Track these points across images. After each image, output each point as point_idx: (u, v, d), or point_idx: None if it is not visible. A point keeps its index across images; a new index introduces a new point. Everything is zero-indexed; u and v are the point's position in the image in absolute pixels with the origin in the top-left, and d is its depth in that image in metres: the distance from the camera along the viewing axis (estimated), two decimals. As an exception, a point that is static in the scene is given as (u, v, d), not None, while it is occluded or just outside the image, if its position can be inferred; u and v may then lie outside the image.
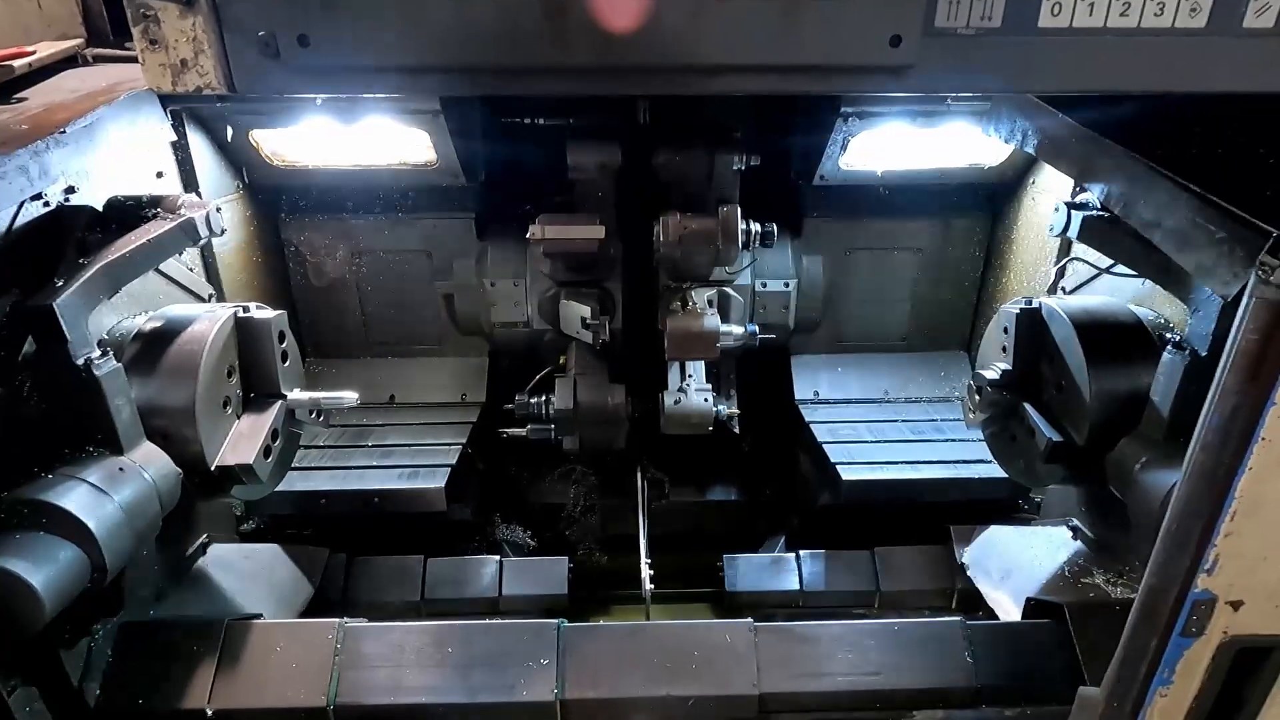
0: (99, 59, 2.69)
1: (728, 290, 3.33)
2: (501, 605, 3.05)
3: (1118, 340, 2.35)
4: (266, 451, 2.37)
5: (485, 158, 3.28)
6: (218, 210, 2.37)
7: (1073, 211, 2.40)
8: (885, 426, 3.55)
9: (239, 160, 3.18)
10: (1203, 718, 1.74)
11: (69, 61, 2.62)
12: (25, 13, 2.63)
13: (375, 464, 3.29)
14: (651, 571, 3.09)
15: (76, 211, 2.11)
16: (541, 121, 3.08)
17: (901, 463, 3.29)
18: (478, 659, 2.28)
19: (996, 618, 2.64)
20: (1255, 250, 1.38)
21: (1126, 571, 2.48)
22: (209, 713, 2.15)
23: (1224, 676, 1.69)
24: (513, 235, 3.37)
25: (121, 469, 1.99)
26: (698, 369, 3.23)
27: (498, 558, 3.17)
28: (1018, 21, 1.26)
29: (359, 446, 3.42)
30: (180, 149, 2.79)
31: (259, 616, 2.44)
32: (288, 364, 2.53)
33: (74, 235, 2.06)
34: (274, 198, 3.44)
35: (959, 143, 3.23)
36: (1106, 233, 2.32)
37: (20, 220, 1.93)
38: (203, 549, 2.66)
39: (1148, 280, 2.36)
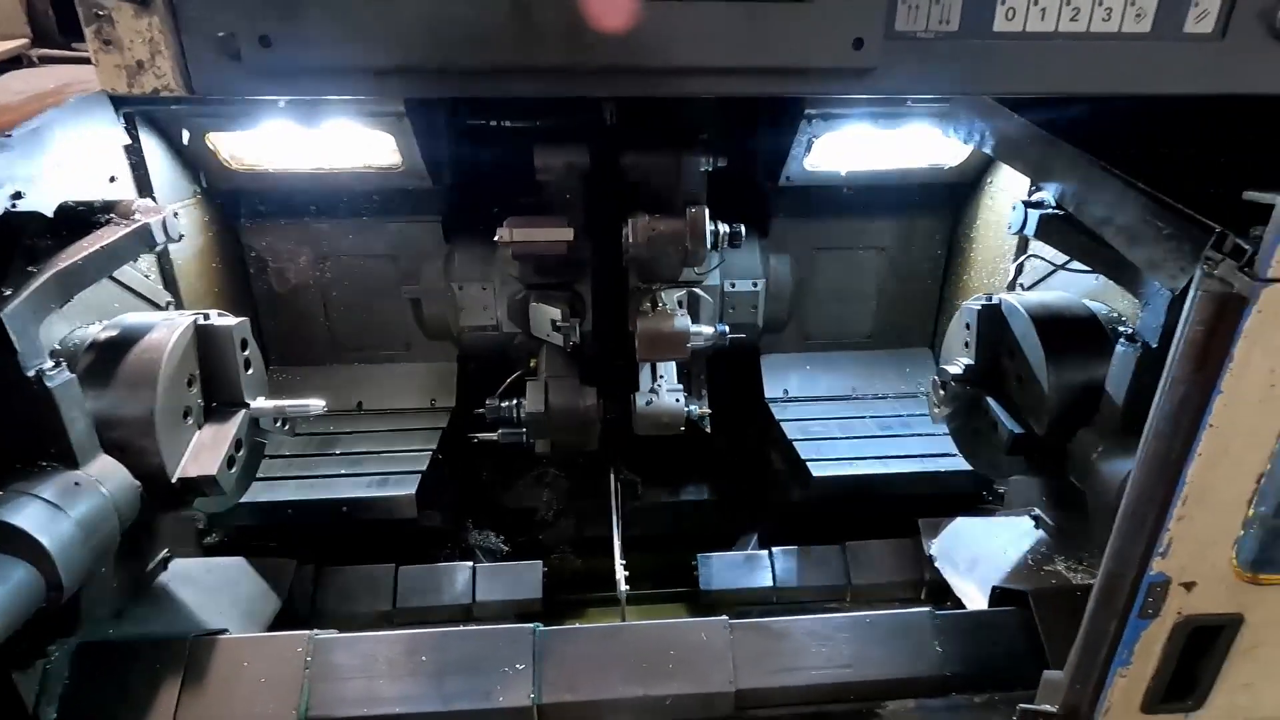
0: (45, 60, 2.59)
1: (697, 291, 3.35)
2: (475, 612, 3.03)
3: (1074, 334, 2.43)
4: (230, 462, 2.31)
5: (451, 160, 3.25)
6: (175, 215, 2.30)
7: (1029, 210, 2.47)
8: (853, 423, 3.61)
9: (196, 164, 3.10)
10: (1160, 696, 1.81)
11: (13, 62, 2.52)
12: (-35, 12, 2.53)
13: (343, 472, 3.24)
14: (626, 573, 3.09)
15: (25, 218, 2.03)
16: (508, 123, 3.07)
17: (870, 458, 3.35)
18: (452, 666, 2.26)
19: (964, 607, 2.70)
20: (1200, 246, 1.44)
21: (1086, 558, 2.56)
22: (174, 732, 2.09)
23: (1179, 655, 1.76)
24: (480, 238, 3.34)
25: (77, 484, 1.92)
26: (669, 370, 3.25)
27: (470, 564, 3.14)
28: (974, 25, 1.30)
29: (326, 455, 3.36)
30: (134, 152, 2.71)
31: (224, 632, 2.37)
32: (250, 372, 2.47)
33: (22, 242, 1.99)
34: (233, 202, 3.36)
35: (920, 144, 3.30)
36: (1061, 230, 2.40)
37: (-36, 227, 1.86)
38: (164, 564, 2.58)
39: (1101, 276, 2.45)
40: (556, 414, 3.22)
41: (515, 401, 3.26)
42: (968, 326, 2.71)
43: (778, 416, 3.64)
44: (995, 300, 2.63)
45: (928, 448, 3.39)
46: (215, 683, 2.17)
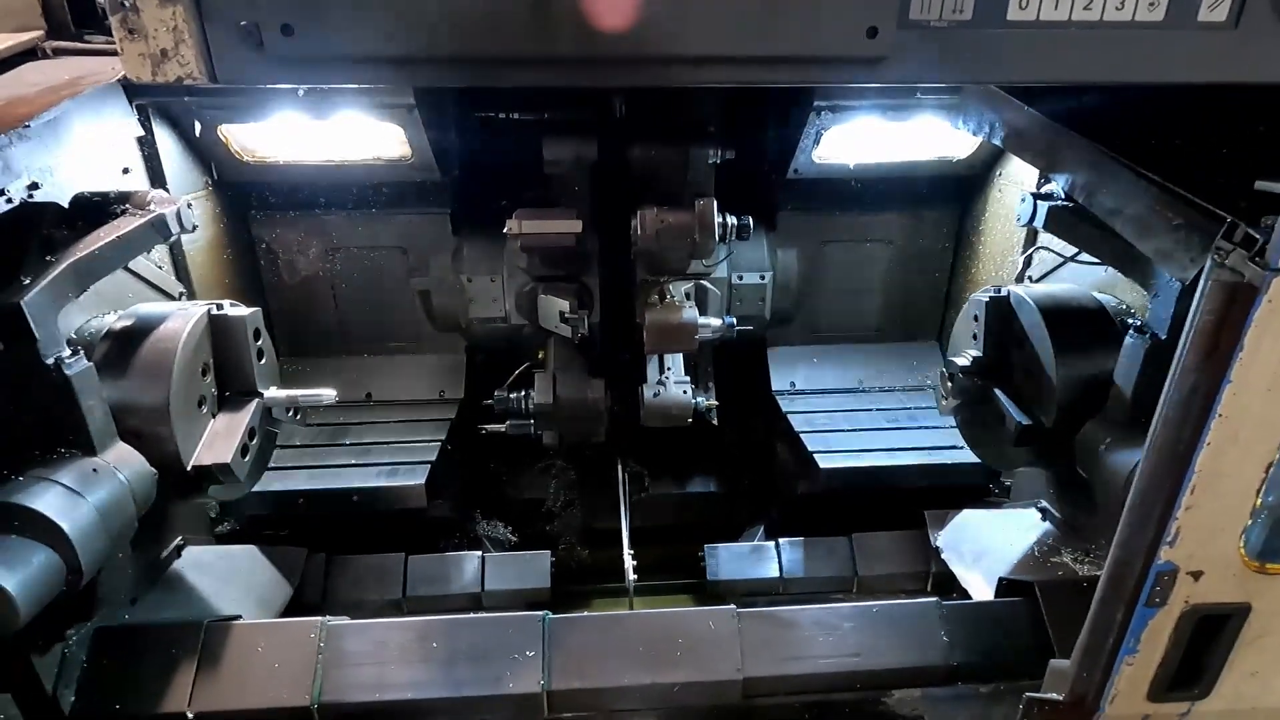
0: (59, 52, 2.62)
1: (705, 283, 3.36)
2: (484, 600, 3.06)
3: (1083, 326, 2.43)
4: (244, 450, 2.34)
5: (460, 153, 3.26)
6: (188, 206, 2.32)
7: (1038, 202, 2.47)
8: (861, 415, 3.62)
9: (208, 156, 3.12)
10: (1167, 684, 1.82)
11: (28, 54, 2.54)
12: (-19, 4, 2.55)
13: (354, 462, 3.26)
14: (634, 563, 3.11)
15: (42, 208, 2.06)
16: (517, 116, 3.07)
17: (877, 450, 3.36)
18: (463, 653, 2.28)
19: (971, 598, 2.71)
20: (1211, 236, 1.45)
21: (1093, 550, 2.57)
22: (190, 715, 2.12)
23: (1186, 644, 1.77)
24: (489, 230, 3.35)
25: (95, 470, 1.95)
26: (676, 362, 3.26)
27: (479, 553, 3.16)
28: (987, 14, 1.31)
29: (337, 445, 3.39)
30: (147, 144, 2.73)
31: (238, 618, 2.40)
32: (263, 362, 2.50)
33: (40, 232, 2.01)
34: (244, 194, 3.38)
35: (928, 136, 3.30)
36: (1071, 222, 2.40)
37: (-18, 217, 1.88)
38: (178, 551, 2.62)
39: (1110, 268, 2.45)
40: (564, 405, 3.24)
41: (523, 393, 3.27)
42: (976, 318, 2.71)
43: (785, 409, 3.65)
44: (1003, 292, 2.63)
45: (935, 440, 3.40)
46: (230, 667, 2.21)
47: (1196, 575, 1.69)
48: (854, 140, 3.27)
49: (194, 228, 2.36)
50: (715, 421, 3.32)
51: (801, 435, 3.44)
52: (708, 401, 3.27)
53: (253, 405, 2.43)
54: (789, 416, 3.58)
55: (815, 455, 3.29)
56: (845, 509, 3.31)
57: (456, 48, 1.19)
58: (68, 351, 1.93)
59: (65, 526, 1.78)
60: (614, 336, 3.36)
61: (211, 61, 1.13)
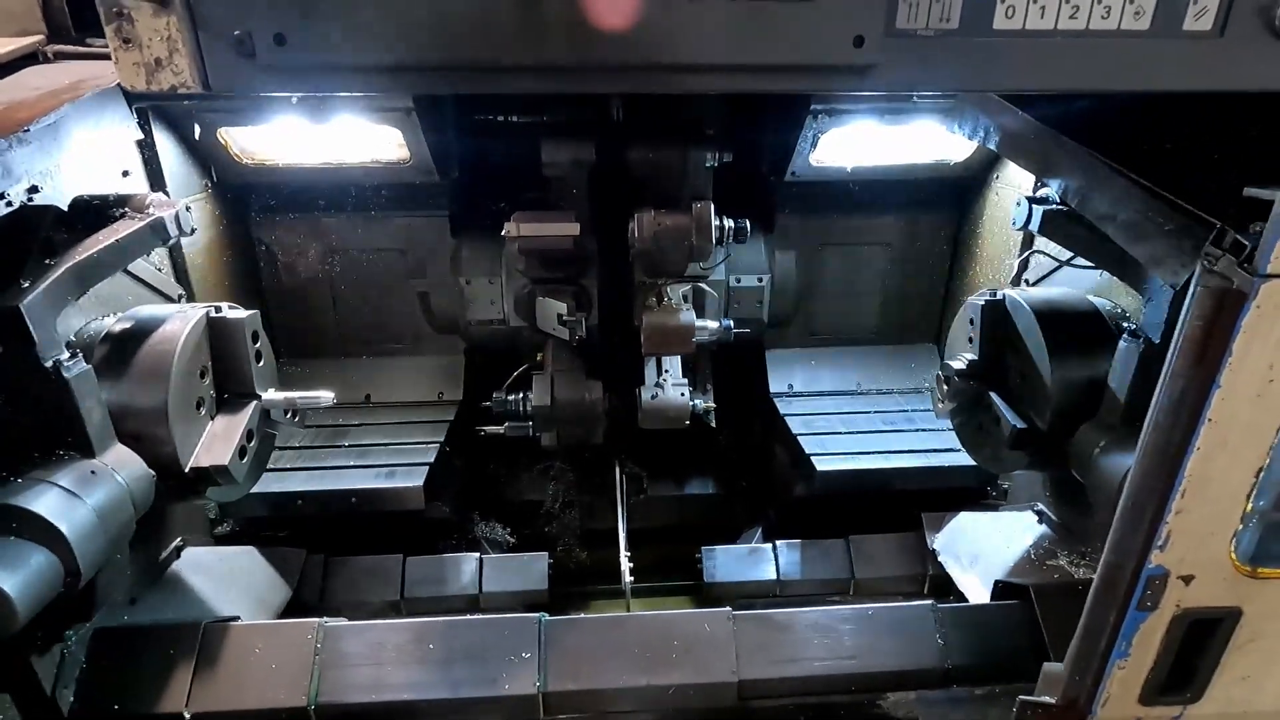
0: (60, 56, 2.63)
1: (702, 286, 3.37)
2: (482, 602, 3.07)
3: (1077, 330, 2.44)
4: (242, 452, 2.35)
5: (459, 155, 3.27)
6: (187, 209, 2.34)
7: (1034, 206, 2.48)
8: (858, 418, 3.63)
9: (207, 159, 3.14)
10: (1159, 687, 1.83)
11: (29, 58, 2.56)
12: (-18, 8, 2.56)
13: (352, 464, 3.28)
14: (631, 565, 3.12)
15: (41, 211, 2.07)
16: (515, 119, 3.09)
17: (874, 453, 3.36)
18: (459, 654, 2.30)
19: (967, 601, 2.72)
20: (1201, 242, 1.46)
21: (1088, 553, 2.57)
22: (187, 716, 2.14)
23: (1177, 648, 1.78)
24: (487, 233, 3.37)
25: (93, 472, 1.96)
26: (674, 364, 3.27)
27: (477, 555, 3.17)
28: (974, 23, 1.32)
29: (335, 447, 3.40)
30: (146, 147, 2.75)
31: (236, 619, 2.42)
32: (261, 364, 2.51)
33: (39, 235, 2.02)
34: (244, 196, 3.40)
35: (925, 140, 3.31)
36: (1065, 226, 2.41)
37: (-18, 221, 1.89)
38: (176, 552, 2.63)
39: (1105, 272, 2.45)
40: (562, 407, 3.25)
41: (522, 395, 3.29)
42: (972, 322, 2.72)
43: (782, 411, 3.65)
44: (999, 295, 2.64)
45: (931, 443, 3.40)
46: (227, 668, 2.22)
47: (1187, 579, 1.70)
48: (851, 143, 3.28)
49: (193, 231, 2.38)
50: (713, 423, 3.33)
51: (799, 437, 3.45)
52: (705, 404, 3.28)
53: (251, 407, 2.44)
54: (786, 419, 3.59)
55: (812, 457, 3.30)
56: (842, 511, 3.32)
57: (449, 55, 1.20)
58: (66, 354, 1.94)
59: (63, 528, 1.80)
60: (612, 339, 3.37)
61: (205, 70, 1.15)
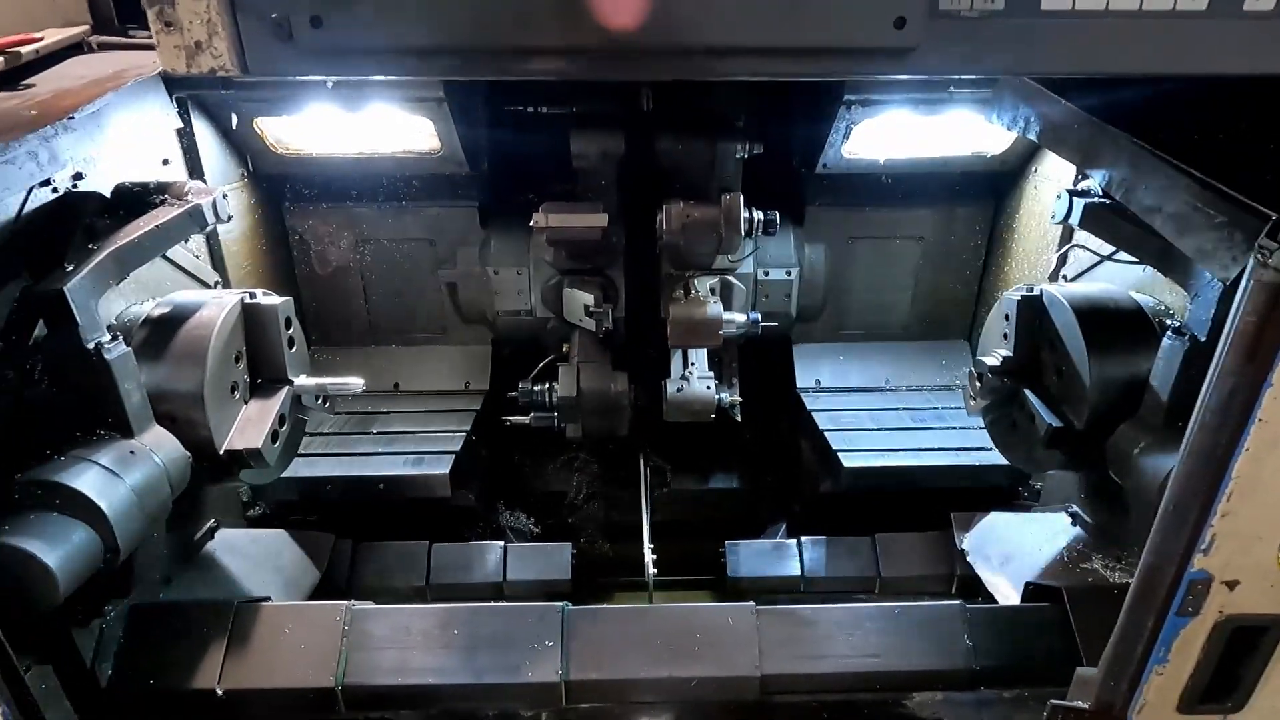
0: (103, 46, 2.70)
1: (730, 278, 3.34)
2: (505, 590, 3.09)
3: (1118, 327, 2.37)
4: (274, 436, 2.39)
5: (489, 146, 3.29)
6: (224, 197, 2.38)
7: (1075, 198, 2.41)
8: (886, 414, 3.57)
9: (243, 148, 3.19)
10: (1198, 695, 1.77)
11: (74, 48, 2.63)
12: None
13: (380, 451, 3.32)
14: (654, 557, 3.12)
15: (85, 197, 2.13)
16: (545, 110, 3.09)
17: (902, 450, 3.31)
18: (483, 641, 2.31)
19: (996, 603, 2.67)
20: (1254, 234, 1.40)
21: (1125, 556, 2.51)
22: (219, 693, 2.19)
23: (1219, 655, 1.72)
24: (516, 223, 3.38)
25: (132, 452, 2.01)
26: (700, 357, 3.25)
27: (501, 543, 3.20)
28: (1021, 3, 1.27)
29: (364, 433, 3.45)
30: (185, 136, 2.81)
31: (267, 599, 2.47)
32: (294, 350, 2.55)
33: (82, 221, 2.08)
34: (278, 185, 3.45)
35: (962, 130, 3.23)
36: (1108, 219, 2.34)
37: (29, 206, 1.95)
38: (210, 533, 2.69)
39: (1149, 267, 2.38)
40: (588, 399, 3.25)
41: (547, 386, 3.29)
42: (1007, 317, 2.66)
43: (809, 406, 3.61)
44: (1036, 291, 2.58)
45: (962, 441, 3.34)
46: (258, 647, 2.27)
47: (1232, 585, 1.64)
48: (885, 135, 3.22)
49: (229, 218, 2.42)
50: (738, 418, 3.31)
51: (826, 433, 3.40)
52: (731, 397, 3.26)
53: (283, 392, 2.48)
54: (813, 414, 3.55)
55: (839, 454, 3.26)
56: (869, 509, 3.27)
57: (483, 39, 1.20)
58: (108, 337, 1.99)
59: (104, 506, 1.85)
60: (638, 331, 3.36)
61: (243, 53, 1.16)
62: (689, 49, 1.26)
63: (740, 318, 3.14)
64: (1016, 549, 2.82)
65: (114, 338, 2.01)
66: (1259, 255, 1.39)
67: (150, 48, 2.65)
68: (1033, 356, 2.62)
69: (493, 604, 2.52)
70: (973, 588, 2.89)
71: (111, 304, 2.30)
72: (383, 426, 3.50)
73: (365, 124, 3.10)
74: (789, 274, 3.59)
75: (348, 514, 3.16)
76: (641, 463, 3.54)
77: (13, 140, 1.77)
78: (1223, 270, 1.51)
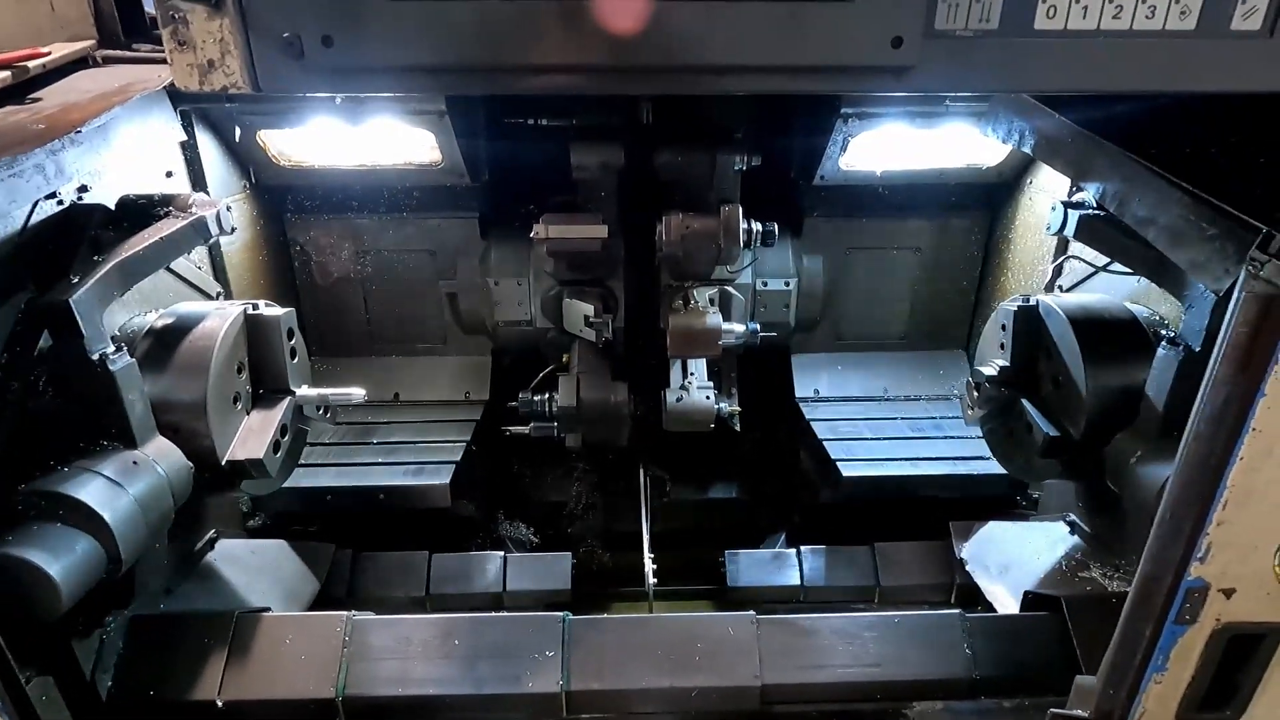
0: (108, 60, 2.73)
1: (729, 289, 3.37)
2: (505, 600, 3.08)
3: (1113, 337, 2.39)
4: (276, 446, 2.40)
5: (489, 158, 3.31)
6: (228, 209, 2.40)
7: (1069, 210, 2.44)
8: (885, 424, 3.59)
9: (246, 160, 3.22)
10: (1197, 704, 1.78)
11: (80, 63, 2.65)
12: (38, 14, 2.67)
13: (380, 461, 3.32)
14: (654, 567, 3.12)
15: (90, 210, 2.14)
16: (545, 122, 3.12)
17: (901, 459, 3.33)
18: (484, 651, 2.31)
19: (995, 612, 2.67)
20: (1246, 246, 1.42)
21: (1123, 565, 2.52)
22: (219, 704, 2.18)
23: (1217, 663, 1.73)
24: (516, 235, 3.41)
25: (135, 462, 2.02)
26: (699, 367, 3.27)
27: (501, 553, 3.19)
28: (1014, 23, 1.30)
29: (364, 444, 3.46)
30: (189, 149, 2.83)
31: (267, 610, 2.46)
32: (296, 361, 2.56)
33: (88, 233, 2.09)
34: (280, 197, 3.48)
35: (957, 143, 3.27)
36: (1102, 231, 2.36)
37: (35, 218, 1.97)
38: (211, 544, 2.69)
39: (1143, 278, 2.40)
40: (588, 409, 3.26)
41: (547, 396, 3.31)
42: (1004, 328, 2.68)
43: (808, 416, 3.63)
44: (1032, 301, 2.60)
45: (960, 450, 3.35)
46: (258, 658, 2.26)
47: (1229, 593, 1.65)
48: (881, 147, 3.26)
49: (233, 230, 2.44)
50: (738, 427, 3.32)
51: (824, 443, 3.42)
52: (730, 407, 3.27)
53: (285, 403, 2.49)
54: (812, 424, 3.57)
55: (838, 463, 3.28)
56: (868, 518, 3.28)
57: (487, 57, 1.22)
58: (112, 348, 2.00)
59: (107, 516, 1.85)
60: (638, 341, 3.38)
61: (255, 71, 1.18)
62: (689, 67, 1.29)
63: (739, 328, 3.16)
64: (1015, 558, 2.83)
65: (118, 349, 2.02)
66: (1250, 267, 1.42)
67: (155, 61, 2.68)
68: (1029, 366, 2.64)
69: (493, 614, 2.52)
70: (972, 597, 2.90)
71: (115, 315, 2.32)
72: (383, 437, 3.50)
73: (367, 137, 3.12)
74: (787, 284, 3.61)
75: (347, 524, 3.16)
76: (641, 472, 3.55)
77: (20, 154, 1.79)
78: (1215, 282, 1.53)
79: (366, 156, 3.26)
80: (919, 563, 3.13)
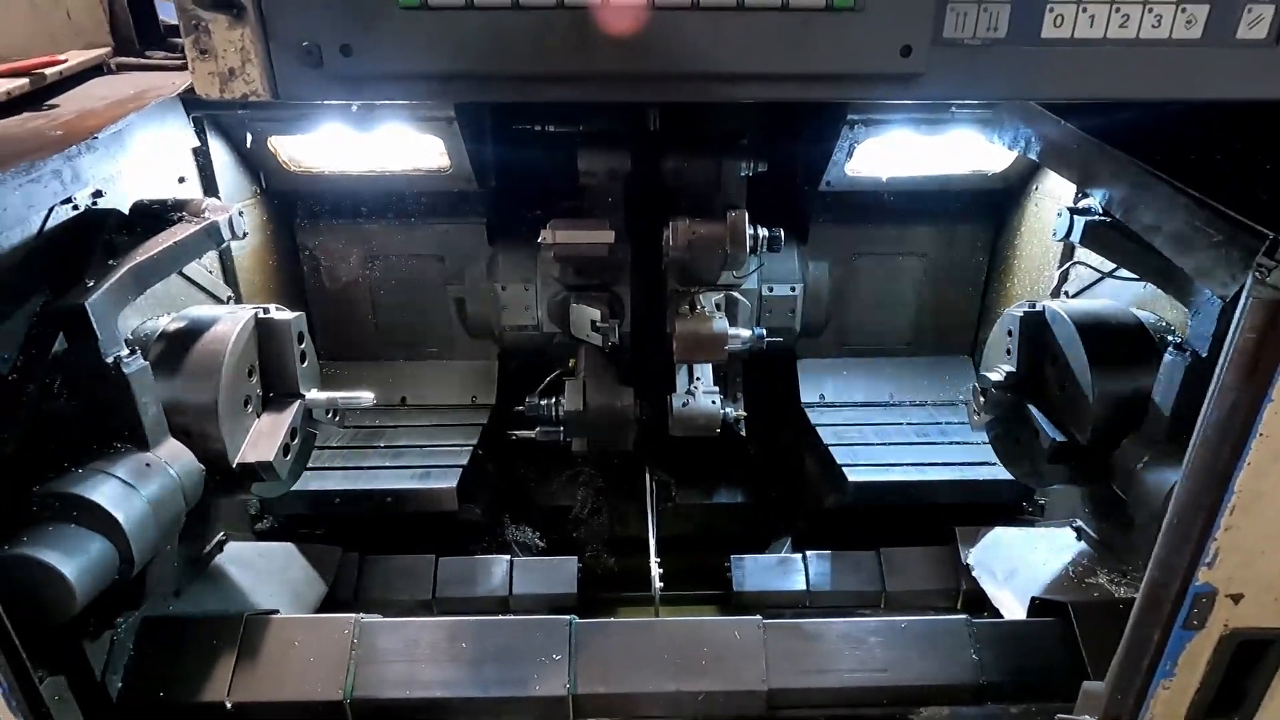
0: (123, 67, 2.76)
1: (735, 294, 3.38)
2: (511, 604, 3.09)
3: (1120, 342, 2.40)
4: (286, 449, 2.42)
5: (497, 164, 3.34)
6: (240, 214, 2.42)
7: (1075, 216, 2.44)
8: (890, 429, 3.59)
9: (257, 166, 3.25)
10: (1205, 709, 1.78)
11: (96, 70, 2.69)
12: (55, 23, 2.70)
13: (388, 464, 3.34)
14: (660, 571, 3.12)
15: (104, 214, 2.17)
16: (553, 128, 3.14)
17: (907, 465, 3.33)
18: (491, 654, 2.32)
19: (1001, 617, 2.67)
20: (1252, 252, 1.43)
21: (1130, 571, 2.52)
22: (228, 705, 2.19)
23: (1225, 669, 1.73)
24: (523, 240, 3.43)
25: (148, 465, 2.04)
26: (705, 372, 3.28)
27: (508, 557, 3.20)
28: (1022, 32, 1.32)
29: (372, 447, 3.47)
30: (201, 155, 2.86)
31: (275, 612, 2.48)
32: (306, 364, 2.58)
33: (102, 238, 2.12)
34: (290, 203, 3.51)
35: (963, 150, 3.29)
36: (1108, 237, 2.37)
37: (51, 223, 1.99)
38: (220, 546, 2.71)
39: (1149, 284, 2.41)
40: (594, 413, 3.28)
41: (554, 400, 3.32)
42: (1010, 333, 2.69)
43: (814, 421, 3.63)
44: (1039, 307, 2.61)
45: (966, 456, 3.35)
46: (267, 659, 2.28)
47: (1236, 598, 1.65)
48: (887, 153, 3.27)
49: (245, 235, 2.47)
50: (743, 432, 3.33)
51: (830, 448, 3.42)
52: (736, 412, 3.28)
53: (295, 406, 2.51)
54: (818, 429, 3.57)
55: (844, 468, 3.28)
56: (874, 523, 3.28)
57: (502, 65, 1.24)
58: (126, 351, 2.02)
59: (120, 518, 1.87)
60: (644, 346, 3.39)
61: (274, 79, 1.21)
62: (698, 75, 1.30)
63: (745, 333, 3.17)
64: (1021, 564, 2.82)
65: (132, 352, 2.04)
66: (1257, 273, 1.43)
67: (169, 68, 2.72)
68: (1036, 372, 2.64)
69: (500, 617, 2.52)
70: (978, 602, 2.89)
71: (128, 319, 2.34)
72: (390, 440, 3.52)
73: (376, 143, 3.15)
74: (793, 290, 3.63)
75: (355, 527, 3.18)
76: (647, 477, 3.56)
77: (38, 160, 1.82)
78: (1222, 288, 1.54)
79: (375, 162, 3.29)
80: (925, 568, 3.13)
